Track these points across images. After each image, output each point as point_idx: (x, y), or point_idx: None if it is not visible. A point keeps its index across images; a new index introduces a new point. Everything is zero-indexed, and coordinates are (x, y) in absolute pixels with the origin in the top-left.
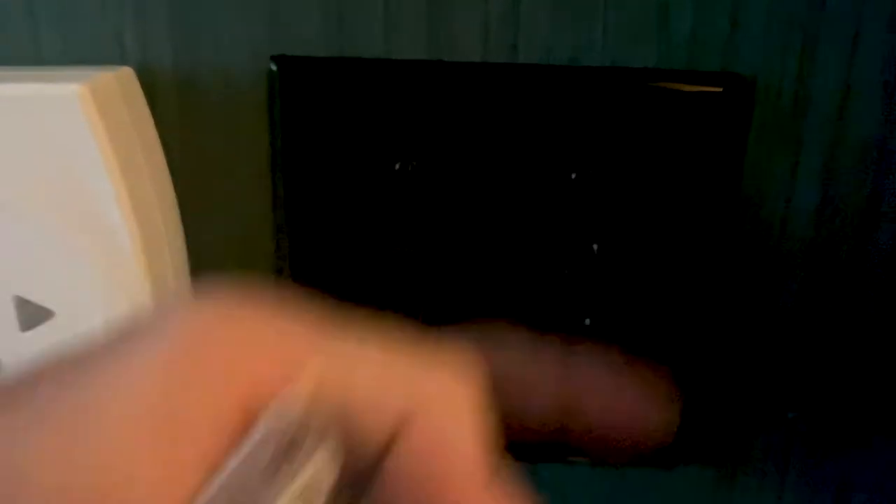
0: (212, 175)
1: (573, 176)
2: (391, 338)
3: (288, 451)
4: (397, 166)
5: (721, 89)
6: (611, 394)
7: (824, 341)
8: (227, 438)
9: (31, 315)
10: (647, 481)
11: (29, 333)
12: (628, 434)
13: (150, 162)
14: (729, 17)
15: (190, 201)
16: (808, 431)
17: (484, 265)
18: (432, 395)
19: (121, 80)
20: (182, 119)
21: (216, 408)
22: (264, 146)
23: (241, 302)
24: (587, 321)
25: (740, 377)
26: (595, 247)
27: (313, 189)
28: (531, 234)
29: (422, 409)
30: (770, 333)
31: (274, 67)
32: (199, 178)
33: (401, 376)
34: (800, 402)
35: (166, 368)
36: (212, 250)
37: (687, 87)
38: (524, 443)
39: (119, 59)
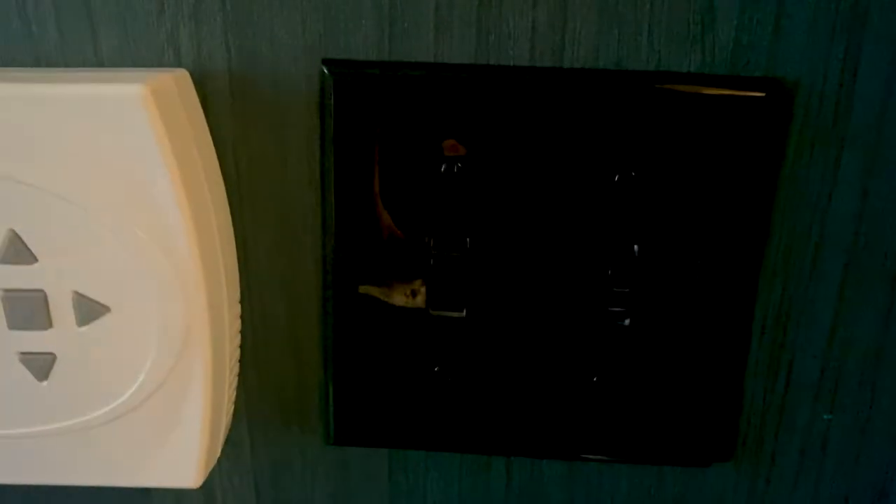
0: (262, 175)
1: (616, 178)
2: None
3: None
4: (443, 167)
5: (763, 94)
6: None
7: (861, 344)
8: None
9: (88, 310)
10: (683, 478)
11: (85, 328)
12: None
13: (204, 162)
14: (773, 21)
15: (241, 201)
16: (844, 433)
17: (526, 265)
18: None
19: (178, 82)
20: (234, 120)
21: None
22: (315, 147)
23: None
24: (626, 321)
25: (777, 377)
26: (636, 248)
27: (361, 190)
28: (574, 234)
29: None
30: (807, 334)
31: (326, 70)
32: (250, 178)
33: None
34: (835, 403)
35: None
36: (262, 249)
37: (729, 92)
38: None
39: (174, 62)
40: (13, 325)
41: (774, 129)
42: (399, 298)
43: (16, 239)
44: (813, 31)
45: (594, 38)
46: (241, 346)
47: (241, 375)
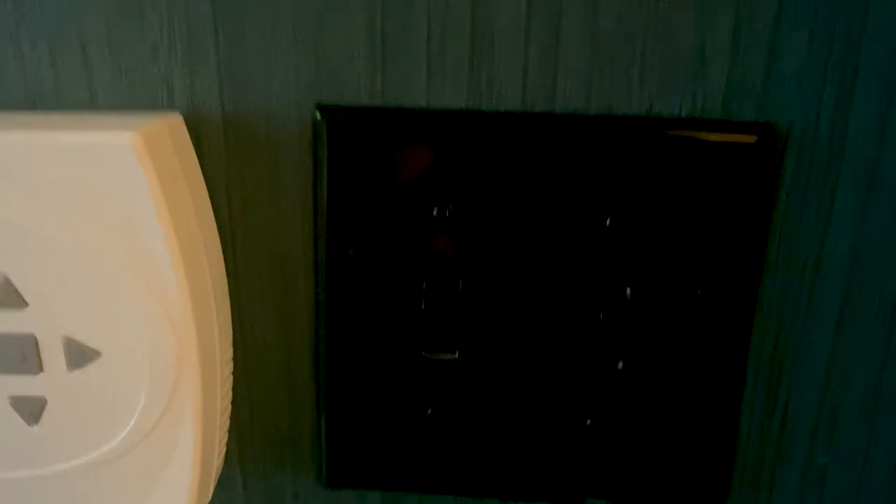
0: (255, 218)
1: (608, 222)
2: None
3: None
4: (435, 211)
5: (755, 139)
6: None
7: (858, 383)
8: None
9: (79, 355)
10: None
11: (75, 372)
12: None
13: (196, 206)
14: (764, 66)
15: (234, 244)
16: (842, 473)
17: (519, 307)
18: None
19: (171, 126)
20: (228, 163)
21: None
22: (308, 191)
23: None
24: (620, 365)
25: (773, 417)
26: (628, 291)
27: (353, 232)
28: (565, 278)
29: None
30: (803, 374)
31: (319, 115)
32: (243, 220)
33: None
34: (832, 443)
35: None
36: (254, 292)
37: (720, 137)
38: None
39: (167, 103)
40: (3, 368)
41: (766, 173)
42: (392, 340)
43: (6, 283)
44: (804, 76)
45: (585, 83)
46: (234, 388)
47: (234, 417)
